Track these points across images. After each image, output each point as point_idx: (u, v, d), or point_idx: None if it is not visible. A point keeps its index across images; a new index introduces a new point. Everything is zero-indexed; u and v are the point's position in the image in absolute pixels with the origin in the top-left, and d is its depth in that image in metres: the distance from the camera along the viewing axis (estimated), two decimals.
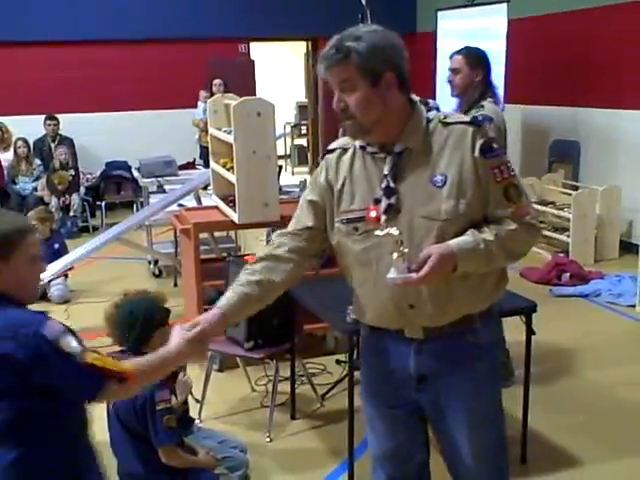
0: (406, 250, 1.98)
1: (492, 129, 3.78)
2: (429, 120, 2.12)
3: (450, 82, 4.15)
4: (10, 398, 1.96)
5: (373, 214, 2.10)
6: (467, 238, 2.04)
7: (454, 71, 4.12)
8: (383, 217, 2.08)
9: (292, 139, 13.10)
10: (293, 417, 3.97)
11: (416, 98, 2.16)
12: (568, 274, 6.16)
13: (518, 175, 2.15)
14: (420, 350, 2.15)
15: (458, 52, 4.16)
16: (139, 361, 2.08)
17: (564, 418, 3.85)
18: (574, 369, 4.50)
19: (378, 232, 2.04)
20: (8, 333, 1.89)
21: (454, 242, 2.02)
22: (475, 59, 4.11)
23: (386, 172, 2.09)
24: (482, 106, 3.98)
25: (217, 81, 9.02)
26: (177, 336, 2.07)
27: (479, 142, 2.07)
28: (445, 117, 2.13)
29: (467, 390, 2.18)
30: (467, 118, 2.15)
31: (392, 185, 2.08)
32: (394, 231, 1.99)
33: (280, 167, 5.39)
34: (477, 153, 2.06)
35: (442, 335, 2.13)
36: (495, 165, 2.08)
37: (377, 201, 2.10)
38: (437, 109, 2.17)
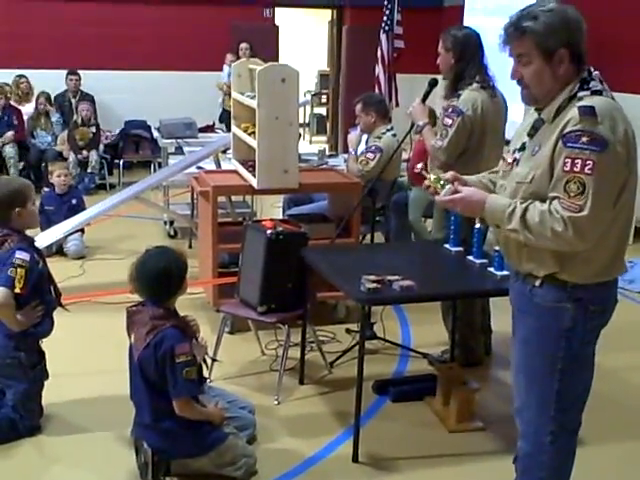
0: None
1: (460, 121, 3.83)
2: (574, 97, 2.27)
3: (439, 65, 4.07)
4: None
5: (509, 159, 2.48)
6: (504, 198, 2.36)
7: (438, 54, 4.03)
8: (508, 166, 2.47)
9: (312, 108, 13.05)
10: (301, 382, 4.02)
11: (587, 73, 2.30)
12: None
13: (599, 175, 2.15)
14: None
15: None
16: None
17: None
18: None
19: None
20: None
21: (493, 196, 2.41)
22: (448, 41, 3.96)
23: (528, 130, 2.41)
24: (459, 95, 3.90)
25: (244, 45, 8.99)
26: None
27: (569, 127, 2.20)
28: (582, 99, 2.25)
29: (518, 335, 2.52)
30: (586, 103, 2.23)
31: (526, 142, 2.40)
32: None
33: (299, 135, 5.41)
34: (561, 137, 2.21)
35: (518, 279, 2.48)
36: (570, 155, 2.18)
37: (515, 150, 2.47)
38: (599, 91, 2.26)
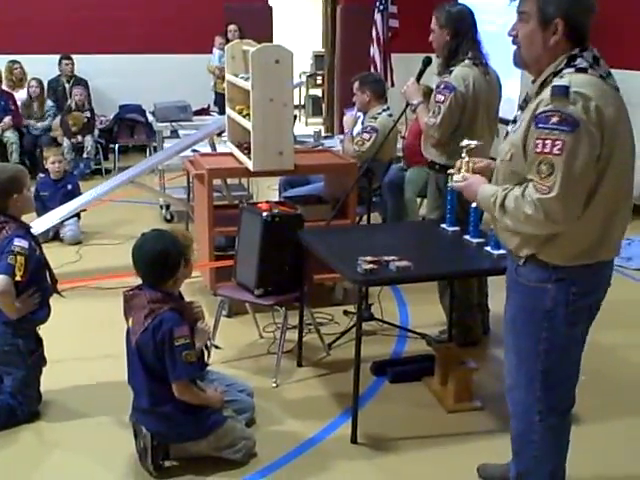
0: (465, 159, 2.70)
1: (452, 97, 3.81)
2: (558, 73, 2.24)
3: (431, 42, 4.02)
4: None
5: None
6: (493, 187, 2.41)
7: (431, 31, 3.98)
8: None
9: (307, 89, 12.98)
10: (299, 364, 4.03)
11: (580, 50, 2.26)
12: None
13: (568, 155, 2.14)
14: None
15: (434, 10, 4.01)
16: None
17: None
18: None
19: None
20: None
21: (484, 186, 2.46)
22: (442, 17, 3.92)
23: (520, 104, 2.41)
24: (451, 71, 3.87)
25: (232, 27, 8.94)
26: None
27: (541, 108, 2.19)
28: (562, 77, 2.21)
29: (507, 314, 2.54)
30: (562, 82, 2.19)
31: (517, 116, 2.39)
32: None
33: (294, 117, 5.37)
34: (534, 117, 2.21)
35: (508, 258, 2.54)
36: (541, 136, 2.17)
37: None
38: (584, 69, 2.23)
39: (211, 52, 9.39)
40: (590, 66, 2.24)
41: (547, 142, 2.15)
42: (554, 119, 2.14)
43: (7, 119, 8.52)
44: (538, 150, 2.18)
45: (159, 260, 2.97)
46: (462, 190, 2.62)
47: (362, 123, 5.49)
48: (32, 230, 3.54)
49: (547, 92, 2.20)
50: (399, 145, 6.04)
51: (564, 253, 2.31)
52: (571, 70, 2.23)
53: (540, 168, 2.17)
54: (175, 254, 2.99)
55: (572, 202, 2.19)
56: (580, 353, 2.53)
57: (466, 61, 3.88)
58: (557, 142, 2.13)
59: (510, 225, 2.31)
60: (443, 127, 3.86)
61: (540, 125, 2.17)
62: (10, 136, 8.50)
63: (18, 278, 3.25)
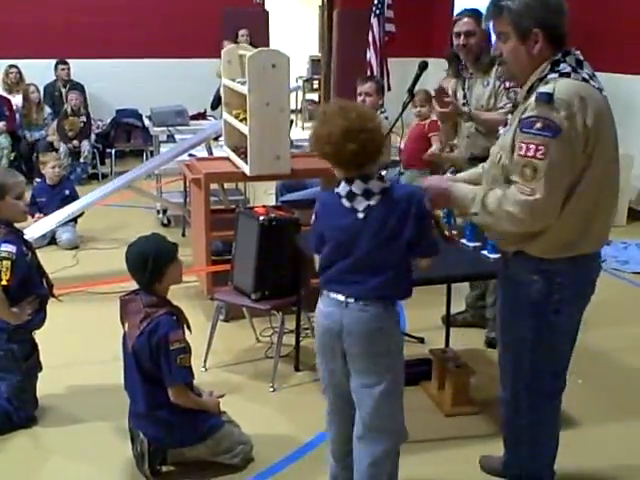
0: None
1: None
2: (543, 79, 2.31)
3: (464, 46, 4.00)
4: None
5: None
6: (468, 187, 2.48)
7: (468, 34, 3.98)
8: None
9: (304, 94, 12.99)
10: (297, 369, 4.02)
11: (563, 54, 2.32)
12: None
13: (551, 160, 2.22)
14: None
15: (467, 14, 4.01)
16: None
17: None
18: None
19: None
20: None
21: (458, 185, 2.51)
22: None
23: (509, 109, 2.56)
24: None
25: (243, 31, 8.95)
26: None
27: (526, 114, 2.28)
28: (547, 83, 2.28)
29: (497, 304, 2.66)
30: (546, 89, 2.26)
31: (508, 120, 2.48)
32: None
33: (291, 121, 5.35)
34: (519, 122, 2.30)
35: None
36: (525, 140, 2.26)
37: None
38: (567, 73, 2.28)
39: (210, 57, 9.35)
40: (573, 70, 2.31)
41: (531, 146, 2.24)
42: (538, 125, 2.23)
43: (0, 124, 8.51)
44: (522, 153, 2.26)
45: (139, 262, 2.96)
46: (430, 202, 2.51)
47: None
48: (26, 236, 3.53)
49: (533, 98, 2.27)
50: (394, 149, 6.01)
51: (547, 247, 2.39)
52: (555, 75, 2.30)
53: (524, 171, 2.26)
54: (155, 256, 2.96)
55: (553, 204, 2.29)
56: (570, 342, 2.60)
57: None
58: (540, 147, 2.22)
59: (490, 223, 2.39)
60: None
61: (525, 129, 2.26)
62: (2, 141, 8.47)
63: (4, 283, 3.24)
